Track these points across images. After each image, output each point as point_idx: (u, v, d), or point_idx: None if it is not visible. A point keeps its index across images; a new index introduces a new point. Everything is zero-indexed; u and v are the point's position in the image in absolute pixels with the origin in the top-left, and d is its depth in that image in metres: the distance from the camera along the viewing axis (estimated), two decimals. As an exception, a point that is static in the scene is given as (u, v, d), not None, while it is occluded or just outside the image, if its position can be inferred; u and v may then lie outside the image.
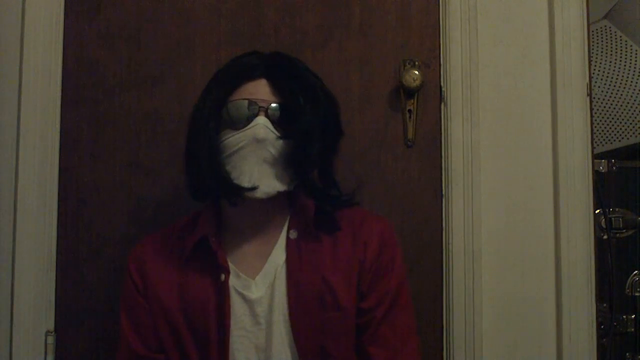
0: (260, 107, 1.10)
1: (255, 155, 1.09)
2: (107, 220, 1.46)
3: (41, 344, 1.42)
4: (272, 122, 1.10)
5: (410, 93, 1.47)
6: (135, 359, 1.14)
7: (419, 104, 1.48)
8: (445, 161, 1.47)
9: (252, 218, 1.15)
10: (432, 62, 1.50)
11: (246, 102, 1.10)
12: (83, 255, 1.45)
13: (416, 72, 1.45)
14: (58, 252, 1.44)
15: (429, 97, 1.49)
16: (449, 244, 1.45)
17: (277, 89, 1.12)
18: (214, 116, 1.11)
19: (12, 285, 1.41)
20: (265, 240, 1.15)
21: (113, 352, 1.21)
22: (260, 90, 1.12)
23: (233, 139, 1.10)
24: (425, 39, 1.51)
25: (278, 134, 1.10)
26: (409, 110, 1.48)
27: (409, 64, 1.49)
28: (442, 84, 1.49)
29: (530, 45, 1.51)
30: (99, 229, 1.46)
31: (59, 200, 1.45)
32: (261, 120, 1.09)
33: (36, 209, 1.43)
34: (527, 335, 1.46)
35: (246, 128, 1.09)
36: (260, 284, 1.12)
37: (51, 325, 1.43)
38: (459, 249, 1.44)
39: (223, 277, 1.11)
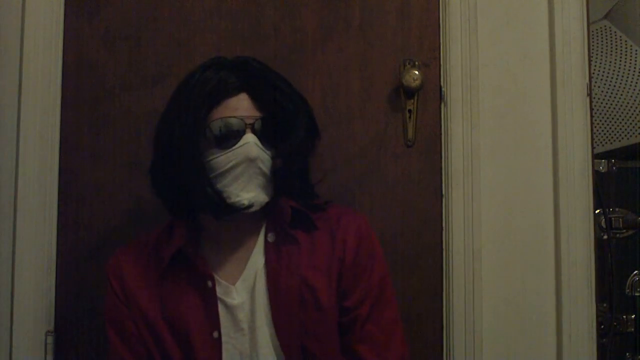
0: (247, 124, 1.09)
1: (248, 174, 1.08)
2: (107, 220, 1.46)
3: (41, 344, 1.42)
4: (258, 137, 1.09)
5: (410, 93, 1.47)
6: None
7: (419, 104, 1.48)
8: (445, 161, 1.47)
9: (231, 225, 1.14)
10: (432, 62, 1.50)
11: (232, 119, 1.08)
12: (83, 255, 1.45)
13: (416, 72, 1.45)
14: (58, 252, 1.44)
15: (429, 97, 1.49)
16: (449, 244, 1.45)
17: (258, 101, 1.11)
18: (199, 136, 1.08)
19: (12, 285, 1.41)
20: (243, 245, 1.15)
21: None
22: (242, 105, 1.10)
23: (223, 159, 1.08)
24: (425, 39, 1.51)
25: (269, 153, 1.10)
26: (409, 110, 1.48)
27: (409, 64, 1.49)
28: (442, 84, 1.49)
29: (530, 45, 1.51)
30: (99, 229, 1.46)
31: (59, 200, 1.45)
32: (250, 138, 1.08)
33: (36, 209, 1.43)
34: (527, 335, 1.45)
35: (236, 147, 1.08)
36: (240, 290, 1.12)
37: (51, 325, 1.43)
38: (459, 249, 1.44)
39: (210, 284, 1.11)
